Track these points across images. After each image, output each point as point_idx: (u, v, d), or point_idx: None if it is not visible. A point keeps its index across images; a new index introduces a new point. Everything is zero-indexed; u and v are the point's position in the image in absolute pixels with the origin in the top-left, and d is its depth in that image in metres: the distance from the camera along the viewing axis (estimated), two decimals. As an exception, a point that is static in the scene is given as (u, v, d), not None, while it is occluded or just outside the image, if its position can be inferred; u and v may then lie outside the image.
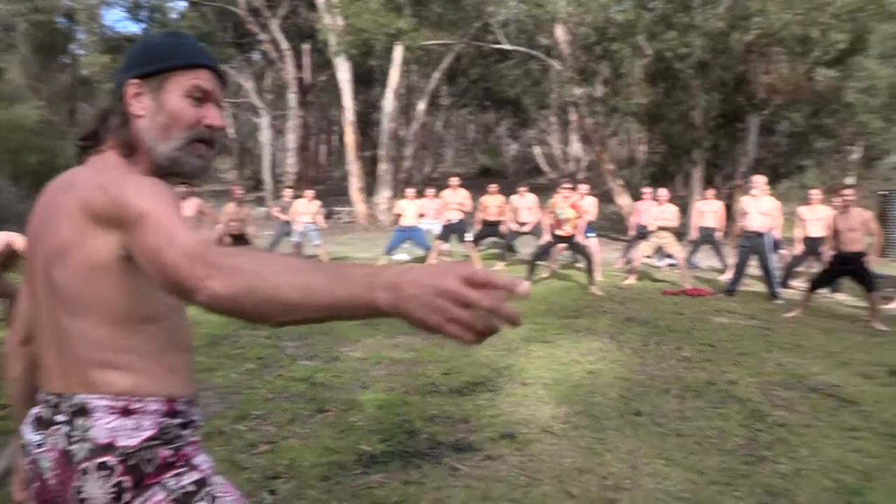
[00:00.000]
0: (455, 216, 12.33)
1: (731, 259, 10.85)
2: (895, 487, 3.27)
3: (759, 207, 9.91)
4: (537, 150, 35.92)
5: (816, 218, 10.29)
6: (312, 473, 3.31)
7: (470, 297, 0.87)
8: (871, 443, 3.87)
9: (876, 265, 8.83)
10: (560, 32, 20.98)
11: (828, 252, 8.70)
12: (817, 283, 8.65)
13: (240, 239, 10.67)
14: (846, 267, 8.40)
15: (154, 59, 1.28)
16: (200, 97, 1.28)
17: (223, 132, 1.33)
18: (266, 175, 28.73)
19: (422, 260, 12.44)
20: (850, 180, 22.84)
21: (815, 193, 10.93)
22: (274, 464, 3.41)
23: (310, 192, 12.90)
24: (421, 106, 27.29)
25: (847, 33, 17.71)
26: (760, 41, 18.44)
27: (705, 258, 12.61)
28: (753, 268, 10.16)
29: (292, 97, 27.67)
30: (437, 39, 23.29)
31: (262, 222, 15.28)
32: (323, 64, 28.38)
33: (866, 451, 3.72)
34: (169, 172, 1.28)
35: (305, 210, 12.53)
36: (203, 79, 1.29)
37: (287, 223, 12.69)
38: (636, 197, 15.63)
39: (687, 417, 4.19)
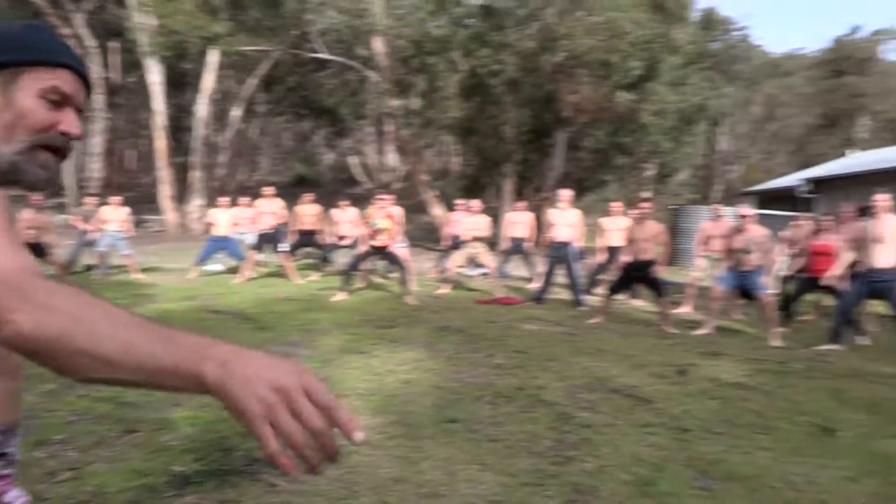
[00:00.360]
0: (270, 225, 12.11)
1: (540, 268, 11.39)
2: (681, 475, 3.59)
3: (566, 219, 10.50)
4: (353, 160, 36.03)
5: (617, 229, 11.05)
6: (120, 499, 3.15)
7: (304, 408, 0.80)
8: (663, 437, 4.22)
9: (667, 273, 9.62)
10: (378, 44, 21.22)
11: (622, 260, 9.36)
12: (614, 289, 9.28)
13: (37, 248, 9.93)
14: (638, 274, 9.08)
15: (8, 49, 1.11)
16: (58, 100, 1.13)
17: (75, 142, 1.19)
18: (68, 180, 26.87)
19: (235, 270, 12.12)
20: (646, 194, 24.62)
21: (616, 206, 11.73)
22: (77, 492, 3.21)
23: (116, 198, 12.23)
24: (236, 112, 26.64)
25: (642, 61, 19.14)
26: (568, 63, 19.53)
27: (516, 267, 13.15)
28: (560, 276, 10.74)
29: (98, 98, 26.09)
30: (254, 45, 22.86)
31: (62, 230, 14.29)
32: (133, 64, 27.02)
33: (658, 445, 4.06)
34: (6, 180, 1.12)
35: (113, 217, 11.86)
36: (64, 80, 1.14)
37: (86, 233, 11.94)
38: (450, 208, 16.06)
39: (499, 423, 4.37)
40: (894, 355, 7.67)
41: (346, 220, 12.14)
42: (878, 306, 9.00)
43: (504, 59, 19.48)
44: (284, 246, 12.08)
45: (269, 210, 12.24)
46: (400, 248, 10.94)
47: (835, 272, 8.27)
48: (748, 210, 8.64)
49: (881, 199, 7.65)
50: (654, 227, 9.04)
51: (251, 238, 12.30)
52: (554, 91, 20.49)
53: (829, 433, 4.56)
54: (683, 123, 22.65)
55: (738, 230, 8.47)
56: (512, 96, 20.29)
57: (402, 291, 9.88)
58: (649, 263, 8.94)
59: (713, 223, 10.57)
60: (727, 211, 11.75)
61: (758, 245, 8.34)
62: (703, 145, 37.69)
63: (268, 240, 12.08)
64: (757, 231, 8.42)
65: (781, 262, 11.13)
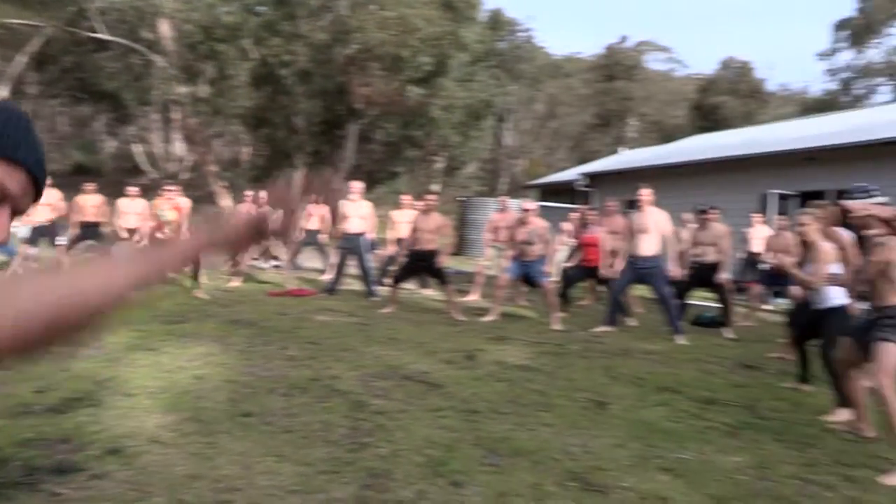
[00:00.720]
0: (45, 218, 11.17)
1: (332, 259, 11.41)
2: (471, 454, 3.78)
3: (357, 211, 10.58)
4: (138, 149, 34.02)
5: (407, 221, 11.28)
6: None
7: None
8: (453, 419, 4.41)
9: (456, 263, 10.00)
10: (165, 27, 20.21)
11: (405, 249, 9.64)
12: (398, 278, 9.50)
13: None
14: (422, 264, 9.36)
15: None
16: None
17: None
18: None
19: (4, 266, 11.10)
20: (435, 187, 25.31)
21: (406, 198, 11.97)
22: None
23: None
24: (2, 92, 24.29)
25: (432, 57, 19.64)
26: (360, 56, 19.64)
27: (308, 259, 13.07)
28: (352, 268, 10.82)
29: None
30: (22, 18, 20.91)
31: None
32: None
33: (449, 427, 4.24)
34: None
35: None
36: (14, 179, 0.97)
37: None
38: (240, 199, 15.67)
39: (294, 414, 4.36)
40: (657, 334, 8.47)
41: (133, 212, 11.39)
42: (642, 290, 9.88)
43: (296, 50, 19.26)
44: (62, 239, 11.21)
45: (44, 201, 11.29)
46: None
47: (607, 261, 9.01)
48: (530, 204, 9.17)
49: (645, 193, 8.42)
50: (438, 219, 9.35)
51: (24, 232, 11.30)
52: (346, 83, 20.54)
53: (602, 406, 4.98)
54: (471, 118, 23.51)
55: (522, 222, 8.96)
56: (304, 87, 20.12)
57: (191, 286, 9.53)
58: (433, 254, 9.23)
59: (500, 215, 11.09)
60: (513, 203, 12.38)
61: (539, 236, 8.86)
62: (490, 140, 39.32)
63: (42, 233, 11.12)
64: (538, 223, 8.94)
65: (563, 252, 11.90)
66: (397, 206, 12.15)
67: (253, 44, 19.60)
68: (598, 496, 3.32)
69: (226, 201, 20.97)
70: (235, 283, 10.77)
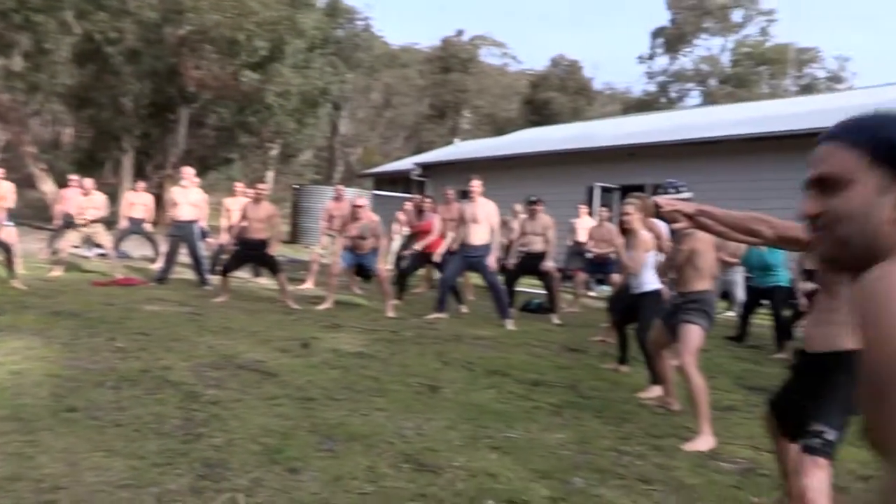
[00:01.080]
0: None
1: (163, 248, 11.02)
2: (307, 441, 3.83)
3: (188, 198, 10.27)
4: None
5: (240, 209, 11.07)
6: None
7: None
8: (288, 407, 4.43)
9: (290, 251, 9.93)
10: (-32, -7, 18.56)
11: (234, 238, 9.49)
12: (227, 267, 9.32)
13: None
14: (252, 253, 9.25)
15: None
16: None
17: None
18: None
19: None
20: (270, 174, 24.85)
21: (240, 185, 11.73)
22: None
23: None
24: None
25: (268, 42, 19.23)
26: (193, 37, 18.93)
27: (136, 247, 12.54)
28: (183, 256, 10.50)
29: None
30: None
31: None
32: None
33: (285, 415, 4.25)
34: None
35: None
36: None
37: None
38: (62, 183, 14.76)
39: (124, 407, 4.22)
40: (487, 321, 8.81)
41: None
42: (473, 278, 10.22)
43: (124, 27, 18.26)
44: None
45: None
46: (6, 228, 9.82)
47: (439, 249, 9.25)
48: (362, 200, 9.22)
49: (476, 184, 8.69)
50: (268, 209, 9.25)
51: None
52: (177, 65, 19.73)
53: (434, 391, 5.16)
54: (307, 106, 23.21)
55: (354, 218, 9.00)
56: (132, 67, 19.12)
57: (7, 276, 8.90)
58: (263, 243, 9.13)
59: (335, 203, 11.09)
60: (348, 192, 12.41)
61: (371, 230, 8.97)
62: (326, 128, 38.96)
63: None
64: (370, 218, 9.03)
65: (397, 241, 12.07)
66: (231, 193, 11.88)
67: (75, 17, 18.38)
68: (431, 475, 3.46)
69: (47, 186, 19.63)
70: (57, 272, 10.15)
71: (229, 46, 19.00)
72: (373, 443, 3.88)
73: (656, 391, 5.46)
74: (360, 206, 9.00)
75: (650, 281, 5.72)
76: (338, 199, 11.16)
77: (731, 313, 10.49)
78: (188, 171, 10.58)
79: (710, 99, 45.63)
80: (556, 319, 9.25)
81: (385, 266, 9.28)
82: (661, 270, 5.24)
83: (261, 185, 9.50)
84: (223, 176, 24.78)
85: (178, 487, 3.11)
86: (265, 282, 11.17)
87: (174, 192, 10.54)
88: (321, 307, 8.93)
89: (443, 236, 9.63)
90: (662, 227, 6.37)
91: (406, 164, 27.80)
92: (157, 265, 11.11)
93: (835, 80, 47.96)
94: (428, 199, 10.48)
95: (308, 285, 10.89)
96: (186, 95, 20.26)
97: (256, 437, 3.82)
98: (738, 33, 49.85)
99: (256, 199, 9.22)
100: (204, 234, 10.86)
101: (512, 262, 9.47)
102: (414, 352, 6.56)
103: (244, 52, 19.08)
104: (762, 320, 8.95)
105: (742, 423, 4.89)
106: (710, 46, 50.93)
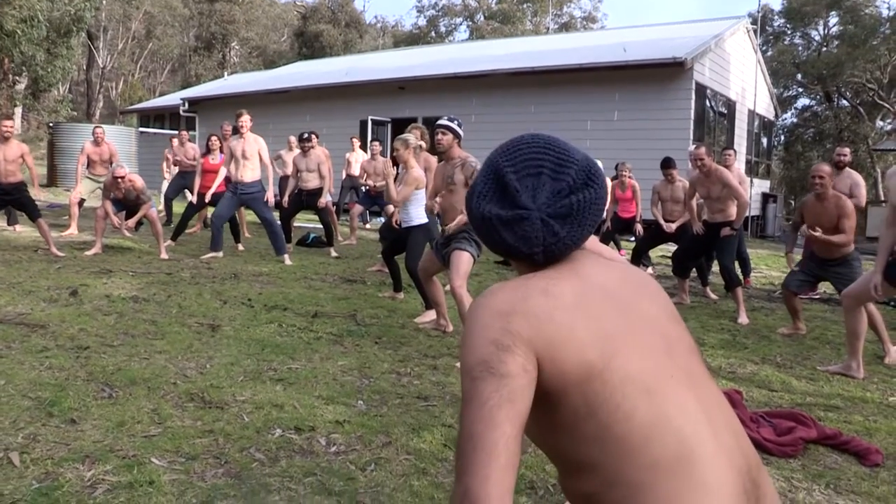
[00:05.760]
0: None
1: None
2: (85, 389, 3.76)
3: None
4: None
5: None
6: None
7: None
8: (61, 358, 4.28)
9: (49, 194, 9.26)
10: None
11: None
12: None
13: None
14: (7, 198, 8.54)
15: None
16: None
17: None
18: None
19: None
20: (18, 111, 22.63)
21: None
22: None
23: None
24: None
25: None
26: None
27: None
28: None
29: None
30: None
31: None
32: None
33: (57, 367, 4.12)
34: None
35: None
36: None
37: None
38: None
39: None
40: (264, 257, 8.84)
41: None
42: (249, 215, 10.12)
43: None
44: None
45: None
46: None
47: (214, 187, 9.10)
48: (122, 171, 8.48)
49: (245, 119, 8.51)
50: (18, 148, 8.55)
51: None
52: None
53: (215, 329, 5.19)
54: (57, 34, 21.25)
55: (116, 186, 8.38)
56: None
57: None
58: (18, 185, 8.45)
59: (94, 147, 10.39)
60: (107, 130, 11.66)
61: (137, 194, 8.44)
62: (82, 60, 35.86)
63: None
64: (137, 183, 8.47)
65: (167, 181, 11.61)
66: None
67: None
68: (217, 411, 3.56)
69: None
70: None
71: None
72: (155, 385, 3.89)
73: (430, 315, 5.84)
74: (122, 178, 8.34)
75: (418, 216, 6.02)
76: (97, 142, 10.42)
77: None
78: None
79: (477, 34, 46.99)
80: (333, 252, 9.44)
81: (157, 206, 8.93)
82: (431, 205, 5.54)
83: (7, 123, 8.70)
84: (-42, 112, 22.21)
85: (-58, 451, 2.98)
86: (21, 229, 10.36)
87: None
88: (89, 253, 8.49)
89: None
90: (434, 161, 6.72)
91: (173, 99, 26.46)
92: None
93: (590, 19, 51.28)
94: (215, 138, 10.08)
95: (72, 231, 10.24)
96: None
97: (27, 392, 3.70)
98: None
99: (5, 139, 8.45)
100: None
101: (286, 199, 9.48)
102: (191, 292, 6.49)
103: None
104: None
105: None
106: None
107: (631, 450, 1.10)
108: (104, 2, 27.70)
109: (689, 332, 1.30)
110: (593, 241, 1.59)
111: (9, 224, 10.48)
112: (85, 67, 42.05)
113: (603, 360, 1.12)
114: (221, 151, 9.89)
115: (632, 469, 1.09)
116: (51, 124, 20.53)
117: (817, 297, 8.07)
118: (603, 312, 1.18)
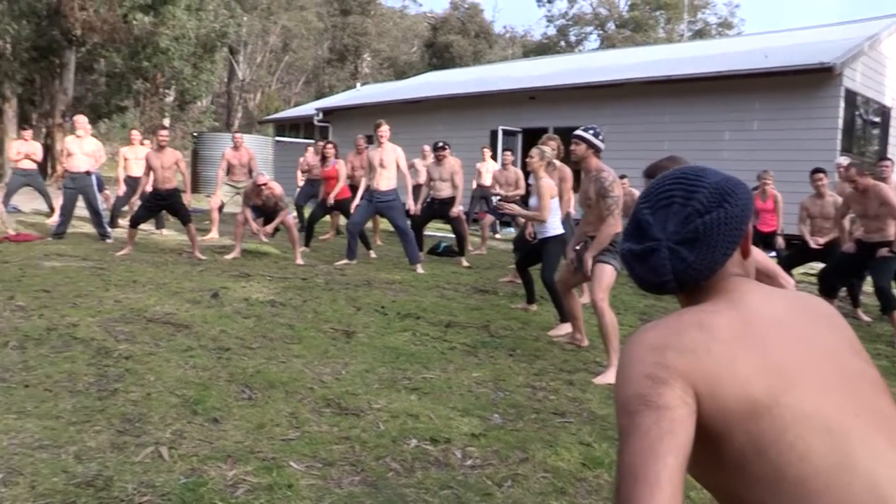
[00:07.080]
0: None
1: (59, 201, 10.57)
2: (226, 390, 3.85)
3: (83, 148, 9.84)
4: None
5: (137, 158, 10.72)
6: None
7: None
8: (204, 358, 4.41)
9: (193, 201, 9.68)
10: None
11: (143, 189, 9.24)
12: (137, 219, 9.02)
13: None
14: (163, 203, 8.99)
15: None
16: None
17: None
18: None
19: None
20: (166, 122, 23.98)
21: (136, 134, 11.32)
22: None
23: None
24: None
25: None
26: (73, -24, 17.90)
27: (29, 201, 11.98)
28: (80, 209, 10.11)
29: None
30: None
31: None
32: None
33: (201, 367, 4.25)
34: None
35: None
36: None
37: None
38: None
39: (32, 367, 4.12)
40: (396, 265, 8.89)
41: None
42: (382, 224, 10.25)
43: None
44: None
45: None
46: None
47: (342, 196, 9.25)
48: (263, 178, 8.82)
49: (384, 129, 8.64)
50: (173, 155, 9.00)
51: None
52: (59, 5, 18.63)
53: (349, 336, 5.22)
54: (203, 50, 22.41)
55: (257, 193, 8.71)
56: (6, 5, 17.91)
57: None
58: (173, 192, 8.91)
59: (233, 152, 10.79)
60: (245, 139, 12.09)
61: (276, 198, 8.74)
62: (223, 73, 37.71)
63: None
64: (276, 191, 8.76)
65: (300, 188, 11.91)
66: (127, 142, 11.45)
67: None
68: (353, 418, 3.55)
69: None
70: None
71: (115, -13, 18.08)
72: (292, 389, 3.93)
73: (565, 328, 5.68)
74: (264, 185, 8.69)
75: (554, 227, 5.88)
76: (236, 147, 10.85)
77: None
78: (81, 120, 10.09)
79: (608, 43, 46.31)
80: (464, 262, 9.41)
81: (292, 213, 9.19)
82: (566, 215, 5.39)
83: (162, 132, 9.18)
84: (117, 124, 23.76)
85: (98, 444, 3.09)
86: (168, 233, 10.90)
87: (68, 143, 10.06)
88: (228, 257, 8.82)
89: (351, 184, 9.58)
90: (568, 170, 6.56)
91: (307, 109, 27.29)
92: (53, 219, 10.67)
93: (725, 25, 49.47)
94: (330, 145, 10.35)
95: (213, 235, 10.69)
96: (72, 38, 19.20)
97: (174, 390, 3.81)
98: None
99: (160, 147, 8.93)
100: (100, 186, 10.47)
101: (420, 207, 9.54)
102: (326, 298, 6.59)
103: (133, -7, 18.21)
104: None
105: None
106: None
107: (808, 494, 0.99)
108: (245, 18, 28.93)
109: (873, 365, 1.14)
110: (761, 256, 1.48)
111: (156, 228, 11.05)
112: (226, 80, 44.18)
113: (771, 396, 1.03)
114: (337, 157, 10.10)
115: None
116: (195, 134, 21.65)
117: None
118: (769, 345, 1.08)
